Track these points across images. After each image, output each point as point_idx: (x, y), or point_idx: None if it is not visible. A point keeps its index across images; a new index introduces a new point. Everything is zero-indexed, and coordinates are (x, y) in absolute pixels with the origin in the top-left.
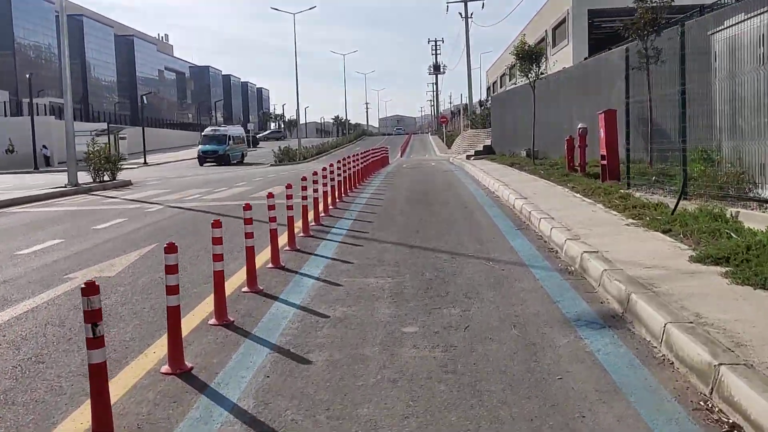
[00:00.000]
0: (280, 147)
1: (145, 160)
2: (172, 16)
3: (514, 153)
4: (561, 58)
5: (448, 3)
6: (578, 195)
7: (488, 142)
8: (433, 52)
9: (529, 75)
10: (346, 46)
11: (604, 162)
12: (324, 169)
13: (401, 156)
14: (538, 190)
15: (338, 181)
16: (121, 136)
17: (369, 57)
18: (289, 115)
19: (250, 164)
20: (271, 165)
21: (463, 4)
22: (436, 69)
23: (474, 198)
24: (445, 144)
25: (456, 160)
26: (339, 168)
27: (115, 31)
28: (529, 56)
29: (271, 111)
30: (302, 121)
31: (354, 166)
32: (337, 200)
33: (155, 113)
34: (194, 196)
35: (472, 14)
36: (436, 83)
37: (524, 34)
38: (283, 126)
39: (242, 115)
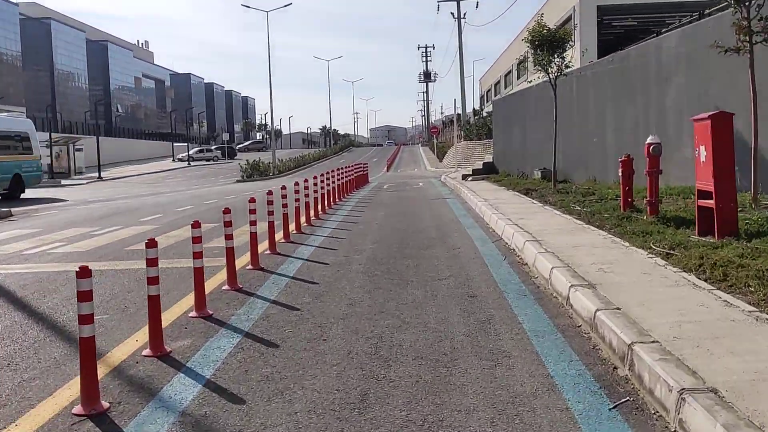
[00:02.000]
0: (247, 160)
1: (99, 174)
2: (159, 24)
3: (523, 173)
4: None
5: (438, 2)
6: (702, 283)
7: (488, 158)
8: (424, 58)
9: (549, 69)
10: (334, 55)
11: (708, 202)
12: (283, 187)
13: (387, 170)
14: (608, 258)
15: (288, 211)
16: (78, 147)
17: (359, 67)
18: (274, 124)
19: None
20: (237, 181)
21: (455, 2)
22: (427, 76)
23: (486, 270)
24: (436, 156)
25: (449, 179)
26: (306, 188)
27: (87, 35)
28: (549, 43)
29: (257, 121)
30: (287, 131)
31: (324, 186)
32: (274, 248)
33: (133, 123)
34: (54, 245)
35: (465, 14)
36: (427, 91)
37: (541, 15)
38: (265, 136)
39: (226, 125)
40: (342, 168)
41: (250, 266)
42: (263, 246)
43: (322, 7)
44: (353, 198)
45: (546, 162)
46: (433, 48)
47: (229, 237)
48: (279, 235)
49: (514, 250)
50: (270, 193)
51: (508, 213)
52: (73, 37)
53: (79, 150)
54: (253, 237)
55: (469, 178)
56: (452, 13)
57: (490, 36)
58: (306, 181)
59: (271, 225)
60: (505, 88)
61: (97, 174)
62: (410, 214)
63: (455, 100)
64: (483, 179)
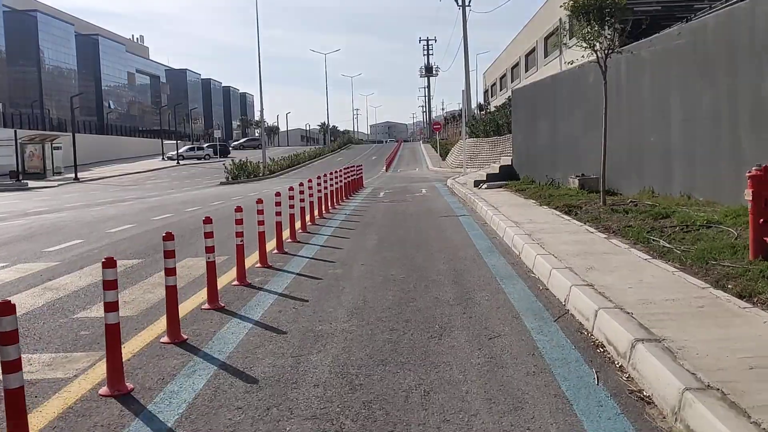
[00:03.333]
0: (233, 160)
1: (76, 175)
2: (158, 21)
3: (553, 180)
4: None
5: None
6: None
7: (505, 159)
8: (425, 52)
9: (597, 44)
10: (333, 50)
11: None
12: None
13: (386, 170)
14: None
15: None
16: (56, 145)
17: (359, 64)
18: (271, 121)
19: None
20: (221, 183)
21: None
22: (428, 71)
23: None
24: (438, 154)
25: (458, 185)
26: (291, 196)
27: (77, 29)
28: (598, 9)
29: (256, 117)
30: (285, 128)
31: (312, 194)
32: (215, 301)
33: (127, 120)
34: None
35: (470, 1)
36: (429, 86)
37: None
38: (262, 133)
39: (224, 121)
40: (334, 172)
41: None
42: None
43: (322, 3)
44: (341, 212)
45: (585, 166)
46: (435, 41)
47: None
48: (196, 300)
49: (612, 357)
50: (239, 209)
51: (560, 253)
52: (62, 30)
53: (57, 148)
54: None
55: (483, 185)
56: (456, 1)
57: (493, 31)
58: (291, 189)
59: (211, 270)
60: (512, 81)
61: (73, 175)
62: (411, 244)
63: (462, 91)
64: (501, 187)
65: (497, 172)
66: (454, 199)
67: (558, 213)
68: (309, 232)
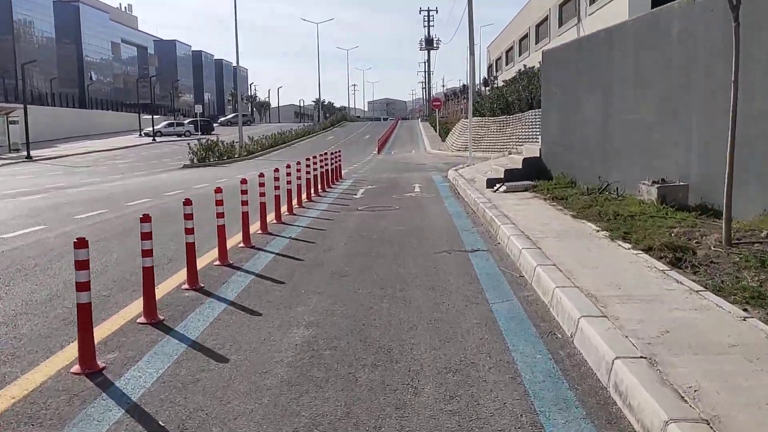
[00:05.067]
0: (199, 140)
1: (28, 153)
2: None
3: (607, 185)
4: (605, 17)
5: None
6: None
7: (530, 149)
8: (425, 23)
9: None
10: (337, 28)
11: None
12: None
13: (378, 152)
14: None
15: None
16: (12, 119)
17: (356, 38)
18: (263, 96)
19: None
20: (184, 166)
21: None
22: (429, 43)
23: None
24: (438, 134)
25: (463, 182)
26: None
27: None
28: None
29: (249, 92)
30: (276, 103)
31: (270, 189)
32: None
33: (111, 93)
34: None
35: None
36: (429, 60)
37: None
38: (251, 108)
39: (215, 95)
40: (310, 158)
41: None
42: None
43: None
44: (286, 232)
45: (661, 166)
46: (436, 11)
47: None
48: None
49: None
50: (146, 218)
51: None
52: None
53: (13, 123)
54: None
55: (500, 187)
56: None
57: (497, 9)
58: (244, 182)
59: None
60: (519, 55)
61: (26, 153)
62: (375, 360)
63: (465, 59)
64: (527, 190)
65: (519, 167)
66: (458, 206)
67: (662, 267)
68: (199, 290)
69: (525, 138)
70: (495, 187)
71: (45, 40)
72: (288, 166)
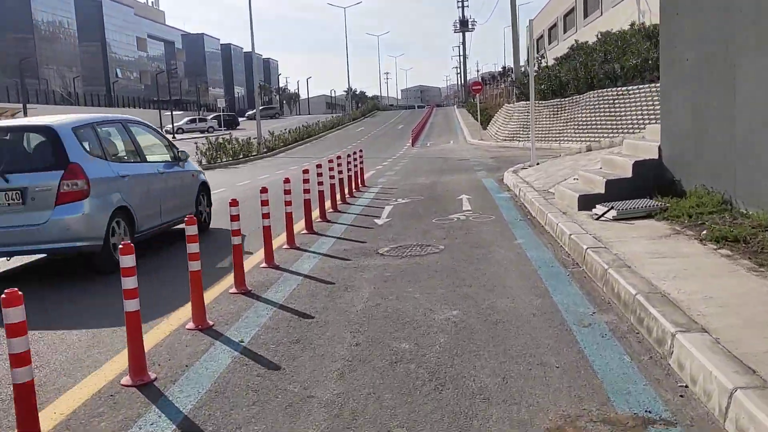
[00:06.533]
0: (211, 138)
1: None
2: None
3: None
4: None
5: None
6: None
7: (646, 148)
8: (459, 3)
9: None
10: (363, 16)
11: None
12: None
13: (412, 144)
14: None
15: None
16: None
17: (391, 25)
18: (293, 88)
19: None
20: None
21: None
22: (464, 24)
23: None
24: (478, 122)
25: (535, 198)
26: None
27: None
28: None
29: (279, 84)
30: (305, 95)
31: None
32: None
33: (138, 90)
34: None
35: None
36: (464, 43)
37: None
38: (279, 100)
39: (245, 90)
40: (322, 164)
41: None
42: None
43: None
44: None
45: None
46: None
47: None
48: None
49: None
50: None
51: None
52: None
53: None
54: None
55: (608, 213)
56: None
57: None
58: (233, 204)
59: None
60: (564, 32)
61: None
62: None
63: (504, 40)
64: (652, 217)
65: (626, 175)
66: (540, 245)
67: None
68: None
69: (586, 126)
70: (598, 213)
71: (68, 37)
72: (306, 171)
